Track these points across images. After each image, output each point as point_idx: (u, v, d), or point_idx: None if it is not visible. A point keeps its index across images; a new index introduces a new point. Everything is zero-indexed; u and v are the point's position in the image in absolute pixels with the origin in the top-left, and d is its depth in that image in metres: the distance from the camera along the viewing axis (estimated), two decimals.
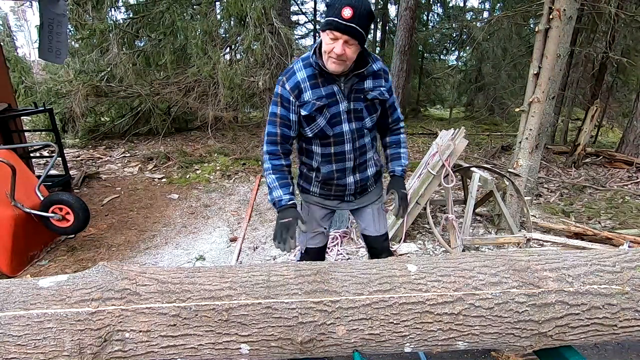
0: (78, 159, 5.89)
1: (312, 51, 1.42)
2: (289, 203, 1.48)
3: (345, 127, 1.50)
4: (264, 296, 1.04)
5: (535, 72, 3.29)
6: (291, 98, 1.44)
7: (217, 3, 7.01)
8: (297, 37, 11.16)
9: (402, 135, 1.72)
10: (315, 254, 1.79)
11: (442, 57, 13.42)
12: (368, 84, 1.49)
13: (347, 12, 1.23)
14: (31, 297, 1.00)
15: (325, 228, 1.77)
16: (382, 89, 1.51)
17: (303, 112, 1.45)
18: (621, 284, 1.08)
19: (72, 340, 0.96)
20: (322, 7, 12.59)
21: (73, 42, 7.05)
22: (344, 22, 1.24)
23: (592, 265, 1.13)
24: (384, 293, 1.06)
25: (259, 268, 1.15)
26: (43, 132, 6.40)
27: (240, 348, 1.03)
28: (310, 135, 1.51)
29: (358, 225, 1.87)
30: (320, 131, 1.49)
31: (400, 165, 1.68)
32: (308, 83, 1.43)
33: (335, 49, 1.29)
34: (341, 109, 1.47)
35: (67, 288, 1.03)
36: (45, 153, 5.71)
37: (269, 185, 1.53)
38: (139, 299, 1.02)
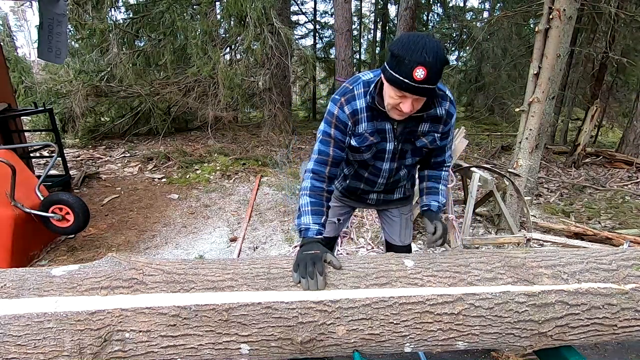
0: (78, 159, 5.89)
1: (374, 84, 1.26)
2: (316, 236, 1.26)
3: (386, 165, 1.44)
4: (264, 287, 1.05)
5: (535, 72, 3.30)
6: (349, 123, 1.31)
7: (217, 3, 7.01)
8: (297, 37, 11.15)
9: (444, 173, 1.51)
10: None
11: None
12: (423, 127, 1.33)
13: (419, 74, 1.05)
14: (45, 284, 1.03)
15: (338, 219, 1.79)
16: (436, 134, 1.36)
17: (353, 143, 1.35)
18: (616, 281, 1.09)
19: (72, 340, 0.96)
20: (322, 7, 12.60)
21: (73, 42, 7.05)
22: (416, 85, 1.07)
23: (589, 263, 1.14)
24: (380, 287, 1.06)
25: (260, 261, 1.16)
26: (43, 132, 6.40)
27: (240, 348, 1.03)
28: (351, 159, 1.47)
29: (383, 231, 1.86)
30: (362, 161, 1.45)
31: (436, 201, 1.45)
32: (365, 114, 1.30)
33: (404, 107, 1.14)
34: (388, 148, 1.37)
35: (78, 276, 1.06)
36: (45, 153, 5.71)
37: (300, 208, 1.33)
38: (146, 288, 1.03)
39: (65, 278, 1.05)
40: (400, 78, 1.08)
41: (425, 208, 1.46)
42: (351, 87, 1.31)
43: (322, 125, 1.37)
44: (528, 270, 1.11)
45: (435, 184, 1.49)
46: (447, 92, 1.33)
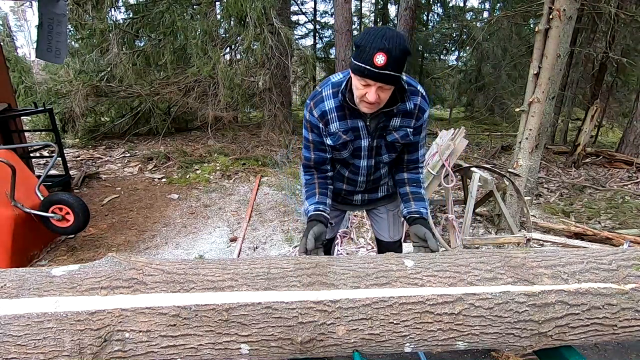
0: (78, 159, 5.89)
1: (345, 83, 1.31)
2: (312, 213, 1.42)
3: (363, 162, 1.47)
4: (264, 287, 1.05)
5: (535, 72, 3.30)
6: (320, 125, 1.38)
7: (217, 3, 7.01)
8: (297, 37, 11.15)
9: (421, 176, 1.55)
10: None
11: (442, 57, 13.44)
12: (394, 122, 1.37)
13: (380, 59, 1.10)
14: (44, 284, 1.02)
15: (330, 223, 1.79)
16: (408, 129, 1.39)
17: (329, 142, 1.40)
18: (616, 281, 1.09)
19: (72, 340, 0.96)
20: (322, 7, 12.60)
21: (73, 42, 7.05)
22: (377, 71, 1.12)
23: (589, 263, 1.14)
24: (380, 287, 1.06)
25: (260, 261, 1.16)
26: (43, 132, 6.40)
27: (240, 348, 1.03)
28: (333, 157, 1.52)
29: (373, 229, 1.88)
30: (343, 160, 1.49)
31: (425, 207, 1.48)
32: (335, 114, 1.35)
33: (369, 96, 1.18)
34: (363, 145, 1.41)
35: (78, 277, 1.05)
36: (45, 153, 5.71)
37: (303, 201, 1.52)
38: (146, 288, 1.03)
39: (65, 278, 1.04)
40: (363, 65, 1.13)
41: (417, 215, 1.45)
42: (320, 90, 1.38)
43: (303, 131, 1.47)
44: (528, 270, 1.11)
45: (418, 189, 1.51)
46: (419, 88, 1.37)
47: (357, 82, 1.20)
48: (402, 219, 1.63)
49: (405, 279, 1.09)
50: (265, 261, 1.16)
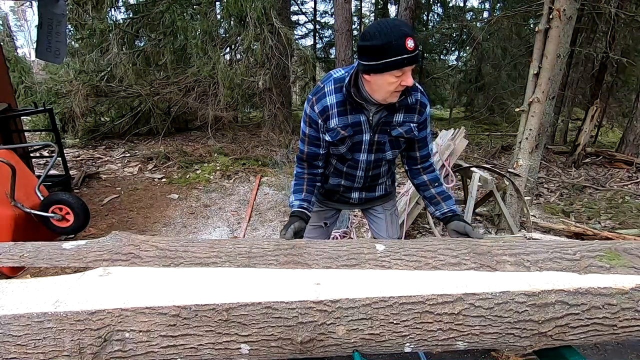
0: (78, 159, 5.89)
1: (348, 79, 1.31)
2: (296, 209, 1.44)
3: (363, 156, 1.47)
4: (244, 265, 1.13)
5: (535, 72, 3.30)
6: (319, 121, 1.39)
7: (217, 3, 7.01)
8: (297, 37, 11.15)
9: (437, 172, 1.59)
10: None
11: (442, 57, 13.43)
12: (397, 117, 1.39)
13: (410, 43, 1.16)
14: (56, 255, 1.15)
15: (325, 223, 1.79)
16: (412, 124, 1.42)
17: (327, 138, 1.41)
18: (577, 270, 1.11)
19: (72, 340, 0.96)
20: (322, 7, 12.60)
21: (73, 42, 7.05)
22: (412, 55, 1.17)
23: (553, 252, 1.16)
24: (350, 268, 1.13)
25: (244, 241, 1.24)
26: (43, 132, 6.40)
27: (240, 348, 1.03)
28: (331, 152, 1.52)
29: (370, 229, 1.88)
30: (340, 155, 1.49)
31: (454, 204, 1.51)
32: (336, 109, 1.36)
33: (408, 81, 1.22)
34: (364, 139, 1.42)
35: (85, 250, 1.16)
36: (45, 153, 5.71)
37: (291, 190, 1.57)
38: (141, 262, 1.13)
39: (73, 251, 1.16)
40: (398, 58, 1.16)
41: (451, 214, 1.46)
42: (322, 85, 1.39)
43: (301, 123, 1.48)
44: (492, 258, 1.14)
45: (442, 188, 1.53)
46: (416, 84, 1.39)
47: (390, 78, 1.20)
48: (436, 219, 1.64)
49: (374, 261, 1.14)
50: (248, 242, 1.23)
